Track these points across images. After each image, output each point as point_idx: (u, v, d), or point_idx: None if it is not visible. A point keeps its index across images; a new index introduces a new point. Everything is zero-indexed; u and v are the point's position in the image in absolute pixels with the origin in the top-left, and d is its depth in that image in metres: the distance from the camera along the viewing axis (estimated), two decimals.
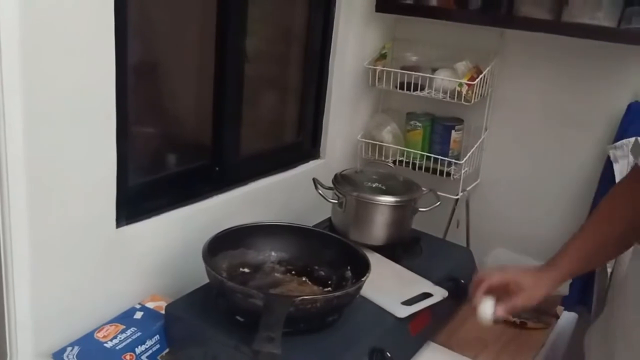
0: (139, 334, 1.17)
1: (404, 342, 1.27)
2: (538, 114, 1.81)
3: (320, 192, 1.54)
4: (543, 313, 1.56)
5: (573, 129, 1.76)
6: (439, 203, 1.55)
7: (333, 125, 1.87)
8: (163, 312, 1.23)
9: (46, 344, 1.14)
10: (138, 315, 1.23)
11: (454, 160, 1.84)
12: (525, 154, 1.86)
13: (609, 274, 1.67)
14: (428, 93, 1.82)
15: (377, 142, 1.91)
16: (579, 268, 1.20)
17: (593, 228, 1.18)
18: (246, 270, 1.31)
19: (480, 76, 1.74)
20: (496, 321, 1.21)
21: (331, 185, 1.55)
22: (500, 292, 1.20)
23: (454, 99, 1.76)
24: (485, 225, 1.92)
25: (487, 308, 1.19)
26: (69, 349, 1.13)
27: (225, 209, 1.49)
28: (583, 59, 1.71)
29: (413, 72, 1.82)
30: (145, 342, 1.17)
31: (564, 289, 1.58)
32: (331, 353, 1.11)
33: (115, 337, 1.15)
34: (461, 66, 1.79)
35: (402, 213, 1.53)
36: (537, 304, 1.20)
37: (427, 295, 1.32)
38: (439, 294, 1.33)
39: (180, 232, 1.39)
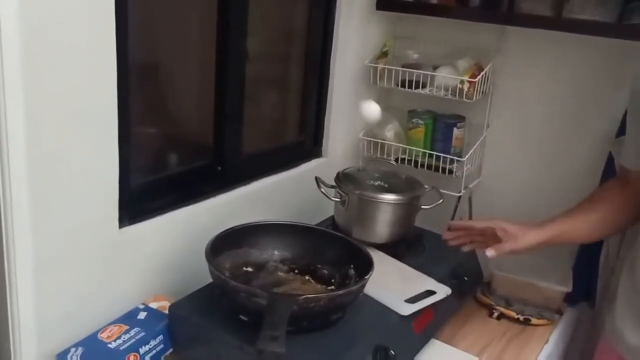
0: (143, 334, 1.18)
1: (408, 340, 1.28)
2: (539, 110, 1.81)
3: (322, 190, 1.54)
4: (547, 309, 1.57)
5: (574, 125, 1.76)
6: (441, 200, 1.55)
7: (335, 123, 1.87)
8: (166, 312, 1.23)
9: (50, 345, 1.14)
10: (142, 315, 1.23)
11: (456, 158, 1.84)
12: (527, 151, 1.85)
13: (612, 270, 1.67)
14: (429, 91, 1.81)
15: (379, 140, 1.91)
16: (562, 237, 1.28)
17: (583, 209, 1.28)
18: (249, 269, 1.31)
19: (482, 73, 1.74)
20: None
21: (333, 183, 1.55)
22: (488, 238, 1.32)
23: (455, 96, 1.76)
24: None
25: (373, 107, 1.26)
26: (73, 349, 1.13)
27: (227, 208, 1.49)
28: (584, 55, 1.70)
29: (414, 70, 1.82)
30: (149, 342, 1.18)
31: (568, 286, 1.59)
32: (335, 351, 1.11)
33: (119, 338, 1.16)
34: (462, 63, 1.78)
35: (405, 211, 1.53)
36: (523, 250, 1.27)
37: (430, 293, 1.32)
38: (442, 291, 1.33)
39: (183, 231, 1.39)
